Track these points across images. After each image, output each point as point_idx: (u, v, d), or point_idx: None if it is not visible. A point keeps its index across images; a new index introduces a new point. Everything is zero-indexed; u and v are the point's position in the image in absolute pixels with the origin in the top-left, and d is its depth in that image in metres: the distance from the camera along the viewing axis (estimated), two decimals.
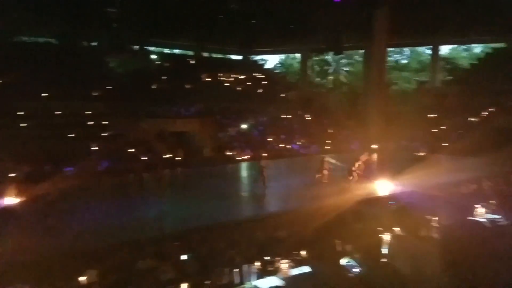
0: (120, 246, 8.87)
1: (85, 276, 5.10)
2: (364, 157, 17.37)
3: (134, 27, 32.03)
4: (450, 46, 53.92)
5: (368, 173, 17.15)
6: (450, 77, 47.50)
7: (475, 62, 43.48)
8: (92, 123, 24.80)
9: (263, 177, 16.20)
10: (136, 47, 37.23)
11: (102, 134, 24.05)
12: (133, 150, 23.28)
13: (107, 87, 28.75)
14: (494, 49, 41.30)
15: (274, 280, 3.29)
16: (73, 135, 22.97)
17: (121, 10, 29.37)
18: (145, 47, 39.08)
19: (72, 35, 32.12)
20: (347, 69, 57.46)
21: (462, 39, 41.29)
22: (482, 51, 51.26)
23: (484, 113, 29.53)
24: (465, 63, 51.76)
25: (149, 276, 6.27)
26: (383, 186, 15.85)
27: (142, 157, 22.90)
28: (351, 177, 16.45)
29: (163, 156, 23.61)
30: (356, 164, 16.66)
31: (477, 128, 27.66)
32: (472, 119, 29.92)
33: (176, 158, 23.87)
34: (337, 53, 42.00)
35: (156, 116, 27.21)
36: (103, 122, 24.95)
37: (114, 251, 8.30)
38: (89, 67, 28.86)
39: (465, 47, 55.95)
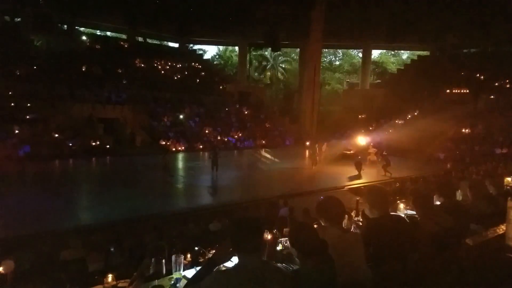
0: (41, 235, 8.33)
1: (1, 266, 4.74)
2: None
3: (62, 4, 30.01)
4: (380, 51, 57.17)
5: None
6: (378, 80, 50.32)
7: (401, 68, 46.53)
8: (13, 104, 22.76)
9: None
10: (64, 26, 34.97)
11: (24, 117, 22.27)
12: (57, 135, 21.99)
13: (31, 67, 26.70)
14: (419, 56, 44.29)
15: None
16: None
17: None
18: (75, 27, 36.84)
19: None
20: (284, 66, 58.56)
21: (390, 44, 43.65)
22: (408, 57, 54.98)
23: (408, 116, 31.43)
24: (392, 68, 55.17)
25: (74, 266, 6.01)
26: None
27: (68, 142, 21.69)
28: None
29: (91, 143, 22.53)
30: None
31: (401, 130, 29.59)
32: (397, 121, 31.72)
33: (105, 146, 22.89)
34: (274, 49, 42.60)
35: (84, 100, 25.74)
36: (25, 104, 23.10)
37: (36, 240, 7.77)
38: (12, 45, 26.61)
39: (393, 52, 59.48)
